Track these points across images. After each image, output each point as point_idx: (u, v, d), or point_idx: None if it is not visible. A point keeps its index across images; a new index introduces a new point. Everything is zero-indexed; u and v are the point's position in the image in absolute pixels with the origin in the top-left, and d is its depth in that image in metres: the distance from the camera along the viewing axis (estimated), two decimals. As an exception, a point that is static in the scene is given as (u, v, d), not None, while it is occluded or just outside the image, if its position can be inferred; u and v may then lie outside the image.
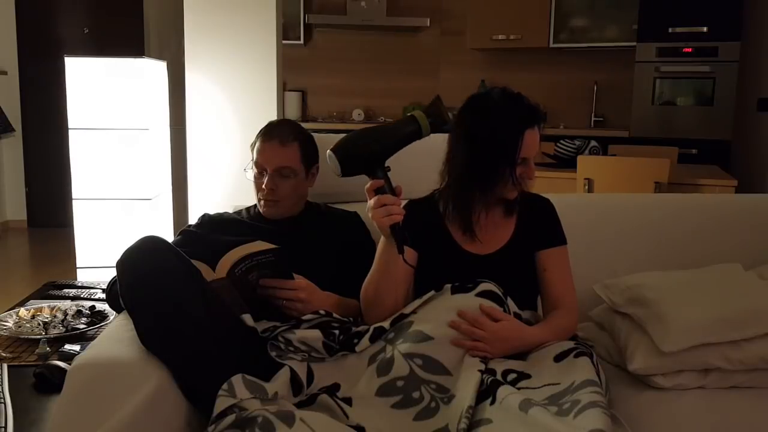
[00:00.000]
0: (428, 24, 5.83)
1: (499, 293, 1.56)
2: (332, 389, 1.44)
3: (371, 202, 1.50)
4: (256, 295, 1.63)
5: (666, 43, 4.95)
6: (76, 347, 1.95)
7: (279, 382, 1.37)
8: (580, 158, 3.37)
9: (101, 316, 2.18)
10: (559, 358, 1.47)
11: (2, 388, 1.70)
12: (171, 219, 3.59)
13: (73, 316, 2.15)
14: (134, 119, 3.19)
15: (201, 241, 1.77)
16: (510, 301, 1.58)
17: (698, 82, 4.93)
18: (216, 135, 3.23)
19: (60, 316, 2.15)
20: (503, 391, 1.33)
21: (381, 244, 1.60)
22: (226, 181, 3.19)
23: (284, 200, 1.86)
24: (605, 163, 3.40)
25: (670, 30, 4.93)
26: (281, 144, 1.84)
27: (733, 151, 4.93)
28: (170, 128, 3.55)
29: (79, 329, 2.07)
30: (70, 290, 2.54)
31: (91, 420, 1.23)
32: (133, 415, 1.24)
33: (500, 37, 5.52)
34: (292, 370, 1.41)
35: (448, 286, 1.59)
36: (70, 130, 3.19)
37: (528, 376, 1.44)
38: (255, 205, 1.94)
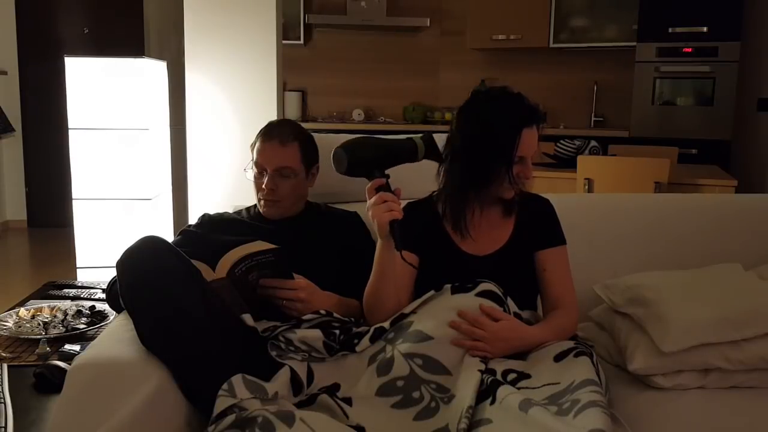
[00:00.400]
0: (428, 24, 5.83)
1: (499, 293, 1.56)
2: (332, 389, 1.44)
3: (372, 199, 1.50)
4: (256, 295, 1.63)
5: (666, 43, 4.95)
6: (76, 347, 1.95)
7: (279, 382, 1.37)
8: (580, 158, 3.38)
9: (101, 316, 2.18)
10: (558, 357, 1.47)
11: (2, 388, 1.70)
12: (171, 219, 3.59)
13: (73, 316, 2.15)
14: (134, 119, 3.19)
15: (201, 241, 1.77)
16: (510, 301, 1.58)
17: (698, 82, 4.93)
18: (216, 135, 3.23)
19: (60, 316, 2.15)
20: (503, 390, 1.33)
21: (379, 246, 1.60)
22: (226, 181, 3.20)
23: (284, 200, 1.86)
24: (605, 163, 3.40)
25: (670, 30, 4.93)
26: (281, 144, 1.84)
27: (733, 151, 4.93)
28: (170, 128, 3.55)
29: (79, 329, 2.07)
30: (70, 290, 2.54)
31: (91, 420, 1.23)
32: (133, 415, 1.24)
33: (500, 37, 5.52)
34: (292, 370, 1.41)
35: (448, 286, 1.59)
36: (70, 130, 3.19)
37: (528, 376, 1.44)
38: (255, 205, 1.94)
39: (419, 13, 5.88)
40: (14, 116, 5.76)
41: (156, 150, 3.31)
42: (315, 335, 1.49)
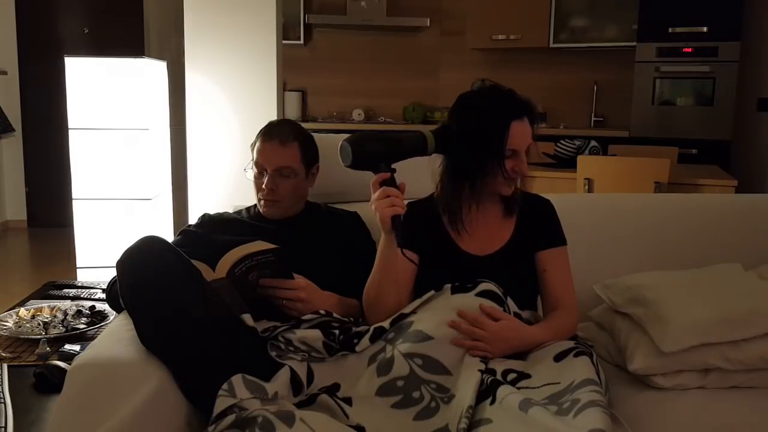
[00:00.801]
0: (428, 24, 5.83)
1: (499, 293, 1.56)
2: (332, 389, 1.44)
3: (376, 194, 1.50)
4: (256, 295, 1.63)
5: (666, 43, 4.95)
6: (76, 347, 1.95)
7: (279, 382, 1.37)
8: (580, 158, 3.37)
9: (101, 316, 2.18)
10: (558, 357, 1.47)
11: (2, 388, 1.70)
12: (171, 219, 3.59)
13: (73, 316, 2.16)
14: (134, 119, 3.19)
15: (201, 241, 1.77)
16: (510, 301, 1.58)
17: (698, 82, 4.93)
18: (216, 135, 3.23)
19: (60, 316, 2.15)
20: (503, 390, 1.33)
21: (381, 243, 1.61)
22: (226, 181, 3.20)
23: (284, 200, 1.86)
24: (605, 163, 3.40)
25: (670, 30, 4.93)
26: (281, 144, 1.84)
27: (733, 151, 4.92)
28: (170, 128, 3.55)
29: (79, 329, 2.07)
30: (70, 290, 2.54)
31: (91, 420, 1.23)
32: (133, 415, 1.24)
33: (500, 37, 5.52)
34: (292, 370, 1.41)
35: (448, 286, 1.59)
36: (70, 130, 3.19)
37: (528, 376, 1.44)
38: (255, 205, 1.94)
39: (419, 13, 5.88)
40: (14, 116, 5.76)
41: (156, 150, 3.31)
42: (314, 335, 1.49)
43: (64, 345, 1.97)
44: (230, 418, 1.25)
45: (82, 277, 3.28)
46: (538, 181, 3.52)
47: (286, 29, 5.47)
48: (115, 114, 3.18)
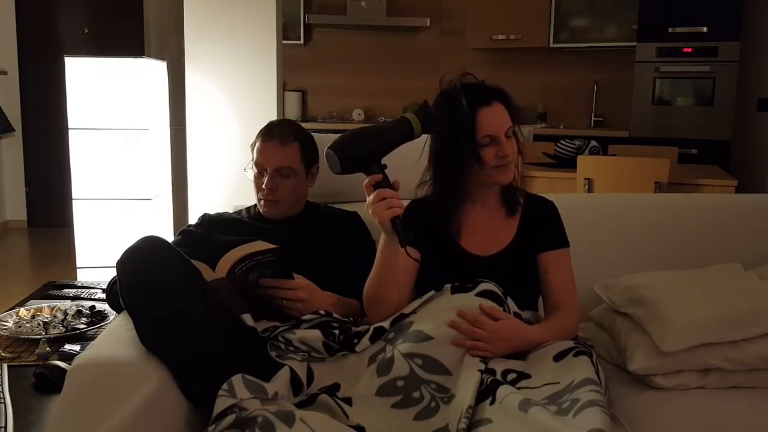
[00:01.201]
0: (428, 24, 5.83)
1: (499, 293, 1.56)
2: (332, 389, 1.44)
3: (371, 197, 1.50)
4: (256, 295, 1.63)
5: (666, 43, 4.95)
6: (76, 347, 1.95)
7: (279, 382, 1.37)
8: (580, 158, 3.37)
9: (101, 316, 2.18)
10: (558, 357, 1.47)
11: (2, 388, 1.70)
12: (171, 219, 3.59)
13: (73, 316, 2.16)
14: (134, 119, 3.19)
15: (201, 241, 1.77)
16: (510, 301, 1.58)
17: (698, 82, 4.94)
18: (216, 135, 3.23)
19: (60, 316, 2.15)
20: (503, 390, 1.33)
21: (382, 241, 1.60)
22: (226, 181, 3.19)
23: (284, 200, 1.86)
24: (605, 163, 3.40)
25: (670, 30, 4.93)
26: (281, 144, 1.84)
27: (733, 151, 4.93)
28: (170, 128, 3.55)
29: (79, 329, 2.07)
30: (70, 290, 2.54)
31: (91, 420, 1.23)
32: (133, 415, 1.24)
33: (500, 37, 5.53)
34: (292, 370, 1.41)
35: (448, 286, 1.59)
36: (70, 130, 3.19)
37: (528, 376, 1.44)
38: (255, 205, 1.94)
39: (419, 13, 5.88)
40: (14, 116, 5.76)
41: (156, 150, 3.31)
42: (314, 335, 1.49)
43: (64, 345, 1.97)
44: (230, 418, 1.25)
45: (82, 277, 3.27)
46: (538, 181, 3.52)
47: (286, 29, 5.47)
48: (115, 114, 3.18)
